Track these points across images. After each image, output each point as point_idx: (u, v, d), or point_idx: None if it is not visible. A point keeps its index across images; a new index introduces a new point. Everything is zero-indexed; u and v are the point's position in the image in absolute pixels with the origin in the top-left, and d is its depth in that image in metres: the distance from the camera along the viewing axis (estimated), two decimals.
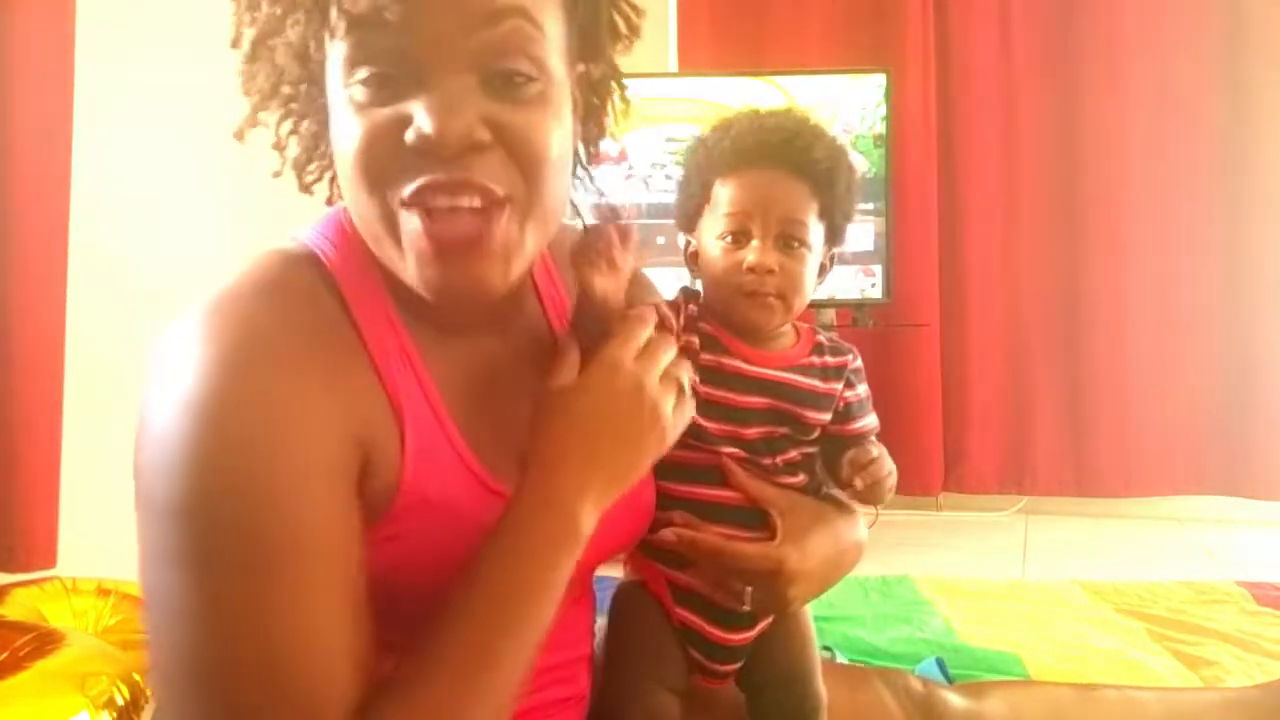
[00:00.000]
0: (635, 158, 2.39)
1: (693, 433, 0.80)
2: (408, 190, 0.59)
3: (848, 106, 2.39)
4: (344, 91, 0.60)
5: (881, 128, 2.39)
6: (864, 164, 2.37)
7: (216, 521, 0.55)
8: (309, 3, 0.60)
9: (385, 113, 0.59)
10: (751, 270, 0.82)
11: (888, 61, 2.58)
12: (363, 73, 0.59)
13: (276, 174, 0.70)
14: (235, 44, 0.64)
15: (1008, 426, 2.80)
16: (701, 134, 0.89)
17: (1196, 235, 2.66)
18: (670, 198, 2.44)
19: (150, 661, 0.57)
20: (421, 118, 0.57)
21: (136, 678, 1.34)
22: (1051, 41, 2.72)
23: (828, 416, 0.86)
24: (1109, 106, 2.68)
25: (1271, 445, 2.61)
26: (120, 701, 1.30)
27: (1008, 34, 2.74)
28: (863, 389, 0.88)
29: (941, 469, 2.79)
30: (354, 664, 0.57)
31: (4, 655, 1.38)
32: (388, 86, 0.59)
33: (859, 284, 2.37)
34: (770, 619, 0.85)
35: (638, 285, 0.88)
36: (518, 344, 0.75)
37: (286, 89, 0.65)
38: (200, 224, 2.27)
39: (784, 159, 0.83)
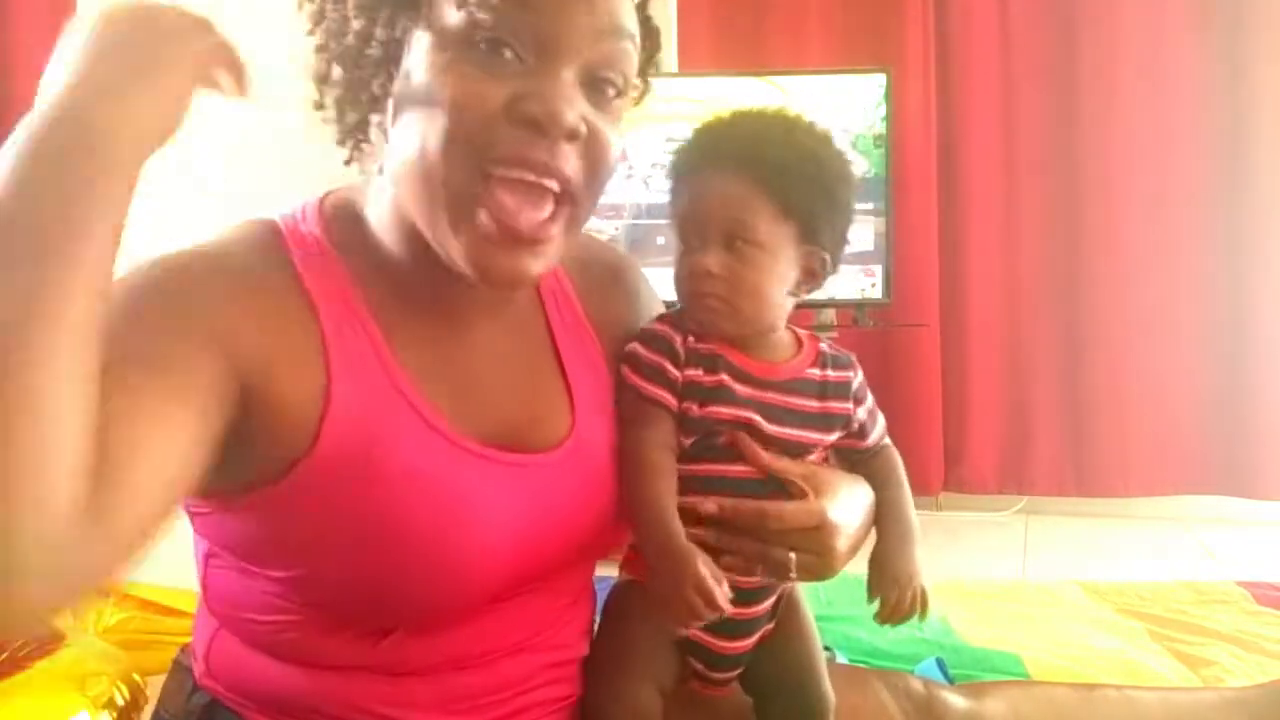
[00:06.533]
0: (635, 158, 2.39)
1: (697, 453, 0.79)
2: (503, 151, 0.62)
3: (848, 106, 2.38)
4: (442, 55, 0.62)
5: (881, 128, 2.38)
6: (864, 164, 2.36)
7: None
8: None
9: (490, 83, 0.62)
10: (692, 274, 0.79)
11: (888, 61, 2.58)
12: (480, 42, 0.62)
13: (348, 162, 0.69)
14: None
15: (1008, 426, 2.79)
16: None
17: (1196, 235, 2.66)
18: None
19: None
20: (540, 99, 0.61)
21: (136, 678, 1.34)
22: (1051, 41, 2.72)
23: (830, 436, 0.84)
24: (1109, 106, 2.67)
25: (1271, 445, 2.61)
26: (120, 701, 1.29)
27: (1008, 34, 2.74)
28: (870, 400, 0.87)
29: (941, 469, 2.79)
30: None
31: (4, 655, 1.38)
32: (497, 56, 0.62)
33: (859, 284, 2.37)
34: (769, 627, 0.84)
35: (638, 289, 0.88)
36: (504, 332, 0.75)
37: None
38: (205, 210, 2.27)
39: (722, 159, 0.80)
